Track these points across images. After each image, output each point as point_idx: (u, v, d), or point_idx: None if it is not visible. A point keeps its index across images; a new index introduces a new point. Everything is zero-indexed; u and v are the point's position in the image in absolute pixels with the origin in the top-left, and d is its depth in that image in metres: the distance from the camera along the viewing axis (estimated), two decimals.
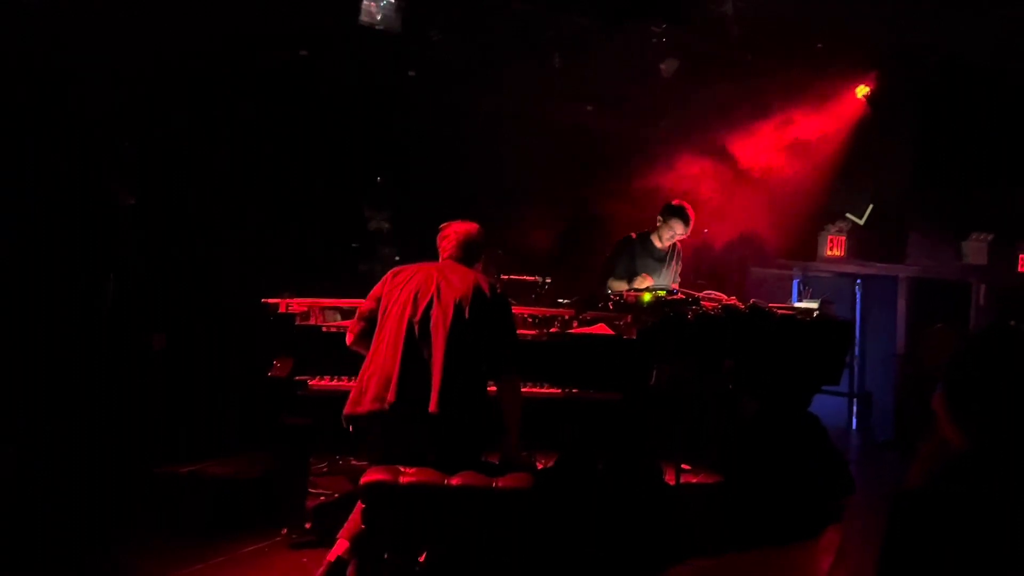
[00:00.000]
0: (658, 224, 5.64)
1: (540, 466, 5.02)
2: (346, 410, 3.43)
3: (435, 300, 3.46)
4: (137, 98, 5.88)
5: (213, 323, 5.92)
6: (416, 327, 3.42)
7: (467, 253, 3.72)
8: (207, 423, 5.66)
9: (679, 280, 5.66)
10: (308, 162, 6.41)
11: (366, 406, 3.37)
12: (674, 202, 5.71)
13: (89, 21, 5.31)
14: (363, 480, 3.19)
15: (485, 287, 3.55)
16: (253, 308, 4.30)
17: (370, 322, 3.56)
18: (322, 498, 4.64)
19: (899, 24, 6.56)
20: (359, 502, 3.32)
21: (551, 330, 4.22)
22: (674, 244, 5.68)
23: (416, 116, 6.80)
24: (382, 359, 3.41)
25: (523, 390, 3.66)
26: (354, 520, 3.42)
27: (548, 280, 4.77)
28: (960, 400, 1.91)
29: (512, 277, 4.94)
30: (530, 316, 4.28)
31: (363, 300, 3.64)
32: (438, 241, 3.78)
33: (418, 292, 3.50)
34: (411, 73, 6.62)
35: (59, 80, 5.50)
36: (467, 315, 3.43)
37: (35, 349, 5.55)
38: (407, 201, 6.65)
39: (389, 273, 3.65)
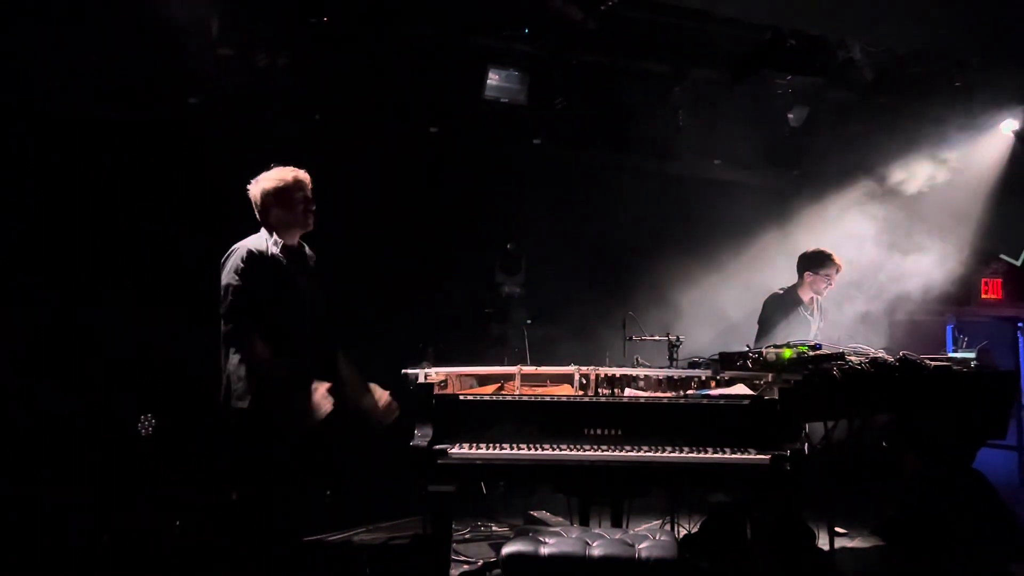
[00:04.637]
0: (808, 278, 5.51)
1: (684, 532, 4.90)
2: None
3: None
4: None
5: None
6: None
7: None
8: (353, 491, 5.79)
9: (821, 333, 5.48)
10: (442, 229, 6.59)
11: None
12: (811, 250, 5.56)
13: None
14: (504, 551, 3.20)
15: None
16: (393, 377, 4.41)
17: None
18: (465, 566, 4.67)
19: None
20: None
21: (688, 392, 4.13)
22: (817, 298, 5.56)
23: (542, 180, 6.91)
24: None
25: (663, 455, 3.59)
26: None
27: (681, 339, 4.68)
28: None
29: (643, 338, 4.88)
30: (665, 377, 4.20)
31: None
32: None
33: None
34: (536, 141, 6.75)
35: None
36: None
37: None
38: (537, 265, 6.72)
39: None
